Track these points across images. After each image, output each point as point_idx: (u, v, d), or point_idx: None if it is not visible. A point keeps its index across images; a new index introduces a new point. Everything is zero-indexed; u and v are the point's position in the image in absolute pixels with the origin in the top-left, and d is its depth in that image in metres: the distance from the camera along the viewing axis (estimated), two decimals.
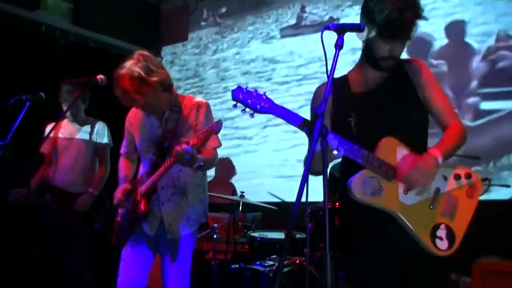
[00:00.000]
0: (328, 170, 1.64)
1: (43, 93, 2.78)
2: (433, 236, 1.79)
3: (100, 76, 2.63)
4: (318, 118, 1.53)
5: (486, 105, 3.99)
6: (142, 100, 2.36)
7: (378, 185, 1.79)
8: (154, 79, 2.33)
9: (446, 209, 1.82)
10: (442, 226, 1.81)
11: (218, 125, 2.18)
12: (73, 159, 3.51)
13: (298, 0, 5.36)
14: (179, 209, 2.47)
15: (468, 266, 3.29)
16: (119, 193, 2.53)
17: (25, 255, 3.54)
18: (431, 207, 1.81)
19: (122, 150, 2.76)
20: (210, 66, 5.99)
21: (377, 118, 1.89)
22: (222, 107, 5.54)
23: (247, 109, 1.70)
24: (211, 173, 5.16)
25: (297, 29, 5.30)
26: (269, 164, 5.20)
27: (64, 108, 3.42)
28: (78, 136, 3.56)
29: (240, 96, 1.68)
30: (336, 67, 1.62)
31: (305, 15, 5.27)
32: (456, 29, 4.21)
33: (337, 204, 3.19)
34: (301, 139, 4.76)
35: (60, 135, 3.55)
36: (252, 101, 1.68)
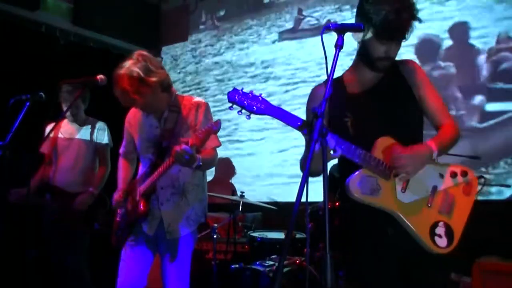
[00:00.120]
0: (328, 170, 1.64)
1: (43, 93, 2.78)
2: (432, 234, 1.79)
3: (100, 76, 2.63)
4: (318, 118, 1.53)
5: (492, 107, 4.00)
6: (141, 100, 2.36)
7: (376, 184, 1.79)
8: (153, 79, 2.33)
9: (443, 206, 1.83)
10: (441, 223, 1.81)
11: (217, 125, 2.18)
12: (73, 159, 3.50)
13: (296, 3, 5.37)
14: (178, 209, 2.47)
15: (468, 266, 3.29)
16: (117, 195, 2.55)
17: (25, 255, 3.54)
18: (429, 205, 1.82)
19: (121, 150, 2.76)
20: (209, 69, 6.00)
21: (373, 118, 1.89)
22: (220, 109, 5.55)
23: (243, 111, 1.70)
24: (210, 173, 5.17)
25: (295, 32, 5.31)
26: (269, 165, 5.21)
27: (64, 108, 3.42)
28: (78, 136, 3.56)
29: (236, 97, 1.68)
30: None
31: (303, 18, 5.27)
32: (459, 31, 4.22)
33: (337, 204, 3.19)
34: (299, 140, 4.82)
35: (60, 135, 3.55)
36: (248, 102, 1.68)
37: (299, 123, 1.71)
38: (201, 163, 2.28)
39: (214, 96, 5.78)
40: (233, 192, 4.17)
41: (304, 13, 5.27)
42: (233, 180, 5.42)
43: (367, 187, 1.78)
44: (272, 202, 4.17)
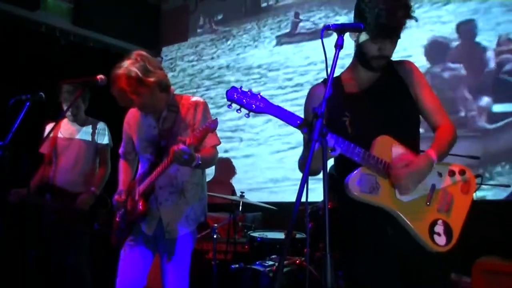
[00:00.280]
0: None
1: (43, 93, 2.78)
2: (431, 232, 1.80)
3: (100, 76, 2.63)
4: (318, 118, 1.54)
5: (499, 108, 4.01)
6: (138, 100, 2.36)
7: (375, 183, 1.80)
8: (151, 79, 2.33)
9: (442, 205, 1.84)
10: (440, 222, 1.82)
11: (215, 123, 2.19)
12: (73, 159, 3.51)
13: (294, 7, 5.37)
14: (177, 208, 2.47)
15: (468, 266, 3.29)
16: (118, 196, 2.56)
17: (25, 255, 3.53)
18: (428, 203, 1.82)
19: (121, 150, 2.77)
20: (206, 72, 6.00)
21: (371, 117, 1.90)
22: (218, 111, 5.55)
23: (242, 109, 1.70)
24: (210, 172, 5.18)
25: (293, 36, 5.32)
26: (269, 165, 5.20)
27: (64, 108, 3.43)
28: (79, 136, 3.56)
29: (235, 96, 1.68)
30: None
31: (299, 21, 5.28)
32: (465, 30, 4.22)
33: (337, 204, 3.19)
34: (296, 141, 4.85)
35: (59, 135, 3.55)
36: (247, 100, 1.68)
37: (298, 122, 1.71)
38: (200, 162, 2.29)
39: (210, 99, 5.78)
40: (233, 192, 4.17)
41: (301, 17, 5.28)
42: (233, 180, 5.42)
43: (366, 185, 1.78)
44: (272, 202, 4.17)
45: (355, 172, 1.79)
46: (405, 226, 1.80)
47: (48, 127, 3.41)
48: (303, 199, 1.43)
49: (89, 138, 3.57)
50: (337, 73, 2.01)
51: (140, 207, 2.43)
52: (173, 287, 2.44)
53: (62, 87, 3.41)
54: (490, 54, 4.06)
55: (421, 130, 2.00)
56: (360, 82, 1.97)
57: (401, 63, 2.00)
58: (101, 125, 3.64)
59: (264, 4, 5.65)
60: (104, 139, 3.62)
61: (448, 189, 1.86)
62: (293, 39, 5.30)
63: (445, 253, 1.81)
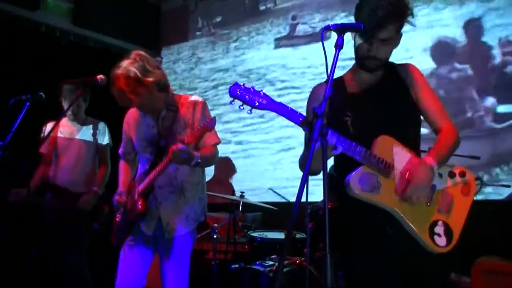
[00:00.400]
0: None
1: (43, 93, 2.78)
2: (431, 233, 1.80)
3: (100, 76, 2.63)
4: (318, 118, 1.54)
5: (503, 108, 4.01)
6: (137, 100, 2.36)
7: (376, 182, 1.80)
8: (150, 79, 2.33)
9: (442, 206, 1.85)
10: (440, 222, 1.82)
11: (213, 122, 2.19)
12: (74, 159, 3.51)
13: (293, 10, 5.37)
14: (177, 208, 2.47)
15: (468, 266, 3.29)
16: (118, 196, 2.56)
17: (25, 255, 3.53)
18: (428, 204, 1.83)
19: (121, 150, 2.77)
20: (204, 75, 6.00)
21: (372, 118, 1.91)
22: (216, 113, 5.54)
23: (245, 106, 1.69)
24: (210, 173, 5.18)
25: (291, 39, 5.32)
26: (268, 166, 5.20)
27: (65, 106, 3.43)
28: (79, 136, 3.56)
29: (238, 92, 1.68)
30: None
31: (296, 24, 5.28)
32: (471, 28, 4.21)
33: (336, 204, 3.19)
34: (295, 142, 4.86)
35: (59, 134, 3.54)
36: (249, 97, 1.68)
37: (300, 119, 1.71)
38: (199, 160, 2.29)
39: (209, 102, 5.78)
40: (233, 192, 4.17)
41: (299, 20, 5.28)
42: (232, 181, 5.41)
43: (367, 184, 1.78)
44: (272, 202, 4.17)
45: (356, 171, 1.79)
46: (405, 226, 1.80)
47: (48, 126, 3.41)
48: (303, 199, 1.43)
49: (89, 138, 3.58)
50: (338, 74, 2.03)
51: (140, 206, 2.43)
52: (173, 286, 2.44)
53: (62, 87, 3.42)
54: (496, 53, 4.07)
55: (426, 131, 2.00)
56: (362, 82, 1.99)
57: (403, 65, 2.03)
58: (101, 125, 3.65)
59: (262, 7, 5.65)
60: (104, 139, 3.63)
61: (448, 190, 1.86)
62: (292, 41, 5.31)
63: (445, 253, 1.81)
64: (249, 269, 3.31)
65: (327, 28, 1.63)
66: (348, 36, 1.71)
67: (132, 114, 2.66)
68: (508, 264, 3.20)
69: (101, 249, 3.17)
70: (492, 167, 3.90)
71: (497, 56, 4.04)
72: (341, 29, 1.63)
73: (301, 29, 5.26)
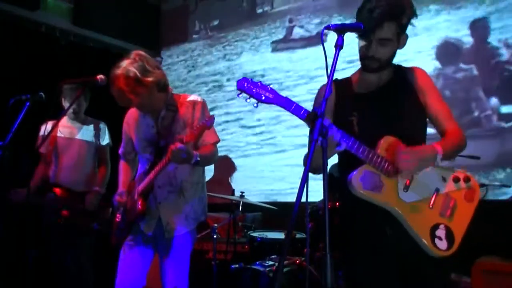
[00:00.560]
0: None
1: (43, 93, 2.78)
2: (433, 236, 1.79)
3: (100, 76, 2.63)
4: (318, 118, 1.54)
5: (507, 109, 4.00)
6: (137, 100, 2.36)
7: (378, 181, 1.80)
8: (150, 79, 2.33)
9: (445, 209, 1.83)
10: (441, 226, 1.81)
11: (211, 120, 2.20)
12: (75, 158, 3.51)
13: (289, 14, 5.37)
14: (176, 208, 2.47)
15: (468, 266, 3.29)
16: (118, 196, 2.56)
17: (25, 255, 3.53)
18: (431, 206, 1.82)
19: (120, 150, 2.77)
20: (201, 78, 6.00)
21: (377, 119, 1.91)
22: (214, 113, 5.55)
23: (252, 99, 1.70)
24: (210, 174, 5.17)
25: (288, 42, 5.32)
26: (268, 166, 5.21)
27: (65, 106, 3.43)
28: (79, 136, 3.56)
29: (245, 85, 1.69)
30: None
31: (293, 26, 5.28)
32: (477, 28, 4.21)
33: (337, 204, 3.19)
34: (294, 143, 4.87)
35: (59, 134, 3.54)
36: (256, 91, 1.69)
37: (305, 115, 1.71)
38: (198, 159, 2.29)
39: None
40: (233, 192, 4.17)
41: (296, 23, 5.28)
42: (233, 181, 5.41)
43: (369, 183, 1.78)
44: (272, 202, 4.16)
45: (358, 169, 1.80)
46: (405, 226, 1.80)
47: (48, 126, 3.41)
48: (303, 199, 1.43)
49: (89, 138, 3.58)
50: (337, 76, 2.03)
51: (139, 206, 2.43)
52: (173, 286, 2.44)
53: (62, 87, 3.42)
54: (501, 53, 4.06)
55: (432, 131, 2.00)
56: (368, 83, 2.00)
57: (411, 69, 2.03)
58: (102, 125, 3.67)
59: (259, 10, 5.66)
60: (105, 139, 3.64)
61: (452, 194, 1.85)
62: (288, 45, 5.32)
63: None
64: (249, 269, 3.31)
65: (328, 28, 1.63)
66: (348, 37, 1.71)
67: (132, 114, 2.66)
68: (508, 264, 3.20)
69: (101, 249, 3.17)
70: (497, 168, 3.89)
71: (503, 56, 4.04)
72: (341, 29, 1.63)
73: (297, 32, 5.27)
